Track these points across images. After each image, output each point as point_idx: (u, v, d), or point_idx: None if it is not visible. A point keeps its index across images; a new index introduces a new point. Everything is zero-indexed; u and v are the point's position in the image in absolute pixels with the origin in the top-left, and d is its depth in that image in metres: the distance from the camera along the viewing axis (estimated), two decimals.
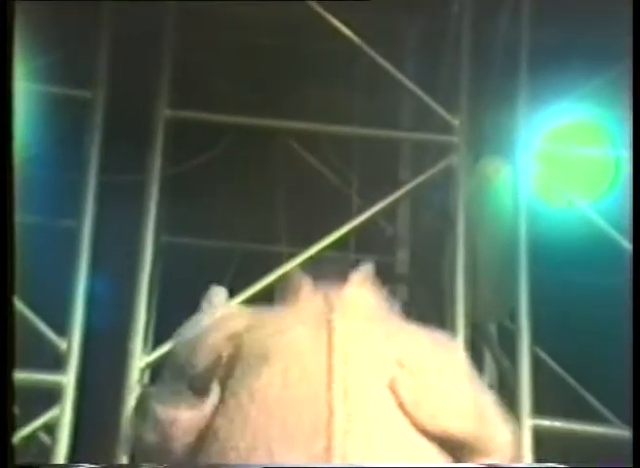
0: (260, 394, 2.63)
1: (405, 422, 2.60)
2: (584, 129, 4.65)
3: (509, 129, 4.16)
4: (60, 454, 3.64)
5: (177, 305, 4.47)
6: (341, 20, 4.14)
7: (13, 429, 2.29)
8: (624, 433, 4.24)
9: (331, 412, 2.52)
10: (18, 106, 4.61)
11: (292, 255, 3.72)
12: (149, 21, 4.15)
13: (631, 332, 3.02)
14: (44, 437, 3.82)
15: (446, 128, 4.09)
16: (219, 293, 3.09)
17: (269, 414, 2.58)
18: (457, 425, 2.63)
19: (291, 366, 2.64)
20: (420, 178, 4.07)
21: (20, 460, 3.84)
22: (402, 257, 4.84)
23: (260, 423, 2.58)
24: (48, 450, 3.69)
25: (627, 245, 4.09)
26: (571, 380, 4.62)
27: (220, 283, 4.04)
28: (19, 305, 3.76)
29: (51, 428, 3.70)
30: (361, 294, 2.88)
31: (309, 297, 2.87)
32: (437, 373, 2.70)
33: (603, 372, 4.56)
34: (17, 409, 4.39)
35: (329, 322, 2.70)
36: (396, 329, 2.84)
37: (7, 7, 2.37)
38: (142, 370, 3.88)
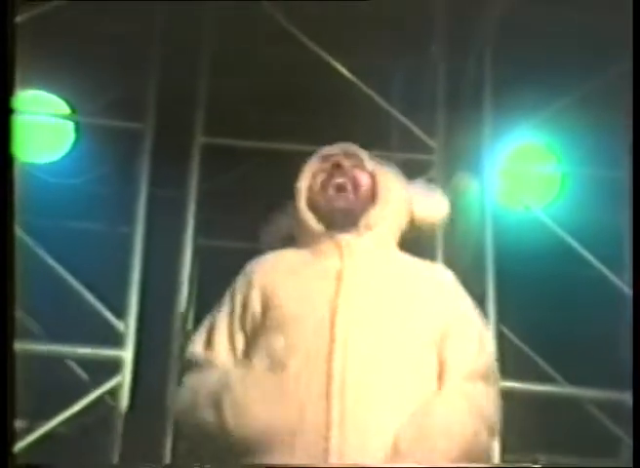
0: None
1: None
2: (537, 150, 4.68)
3: (477, 150, 4.19)
4: (122, 414, 3.70)
5: (212, 293, 4.56)
6: (341, 63, 4.18)
7: (13, 430, 2.21)
8: (570, 390, 4.33)
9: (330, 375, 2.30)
10: (86, 138, 4.72)
11: None
12: (187, 66, 4.18)
13: (631, 333, 3.03)
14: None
15: (426, 149, 4.11)
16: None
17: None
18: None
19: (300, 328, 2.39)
20: None
21: (89, 416, 3.91)
22: None
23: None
24: (112, 411, 3.74)
25: (572, 242, 4.17)
26: (527, 349, 4.64)
27: None
28: (87, 295, 3.85)
29: (114, 393, 3.75)
30: (371, 243, 2.55)
31: (324, 246, 2.55)
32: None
33: (552, 342, 4.64)
34: (86, 377, 4.44)
35: (339, 273, 2.46)
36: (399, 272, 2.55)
37: (7, 8, 2.27)
38: (185, 343, 3.98)
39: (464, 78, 4.40)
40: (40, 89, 4.62)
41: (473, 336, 2.50)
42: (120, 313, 3.81)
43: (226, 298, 2.60)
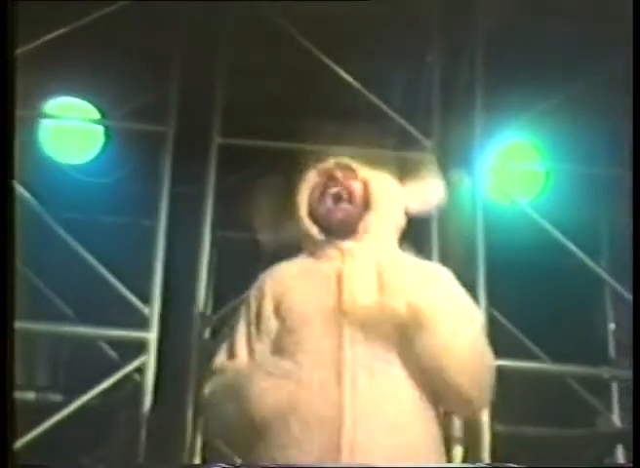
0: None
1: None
2: (524, 148, 4.69)
3: (469, 148, 4.19)
4: (148, 389, 3.72)
5: (228, 279, 4.58)
6: (344, 69, 4.19)
7: (14, 430, 2.13)
8: (554, 367, 4.35)
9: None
10: (114, 141, 4.74)
11: None
12: (205, 75, 4.19)
13: (631, 334, 3.07)
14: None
15: (422, 147, 4.11)
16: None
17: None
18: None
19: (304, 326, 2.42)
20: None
21: (119, 391, 3.93)
22: None
23: None
24: (139, 387, 3.75)
25: (555, 232, 4.18)
26: (515, 331, 4.65)
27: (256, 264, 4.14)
28: (115, 282, 3.86)
29: (141, 371, 3.77)
30: (370, 246, 2.54)
31: (327, 252, 2.55)
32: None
33: (537, 324, 4.66)
34: (115, 357, 4.47)
35: (339, 275, 2.46)
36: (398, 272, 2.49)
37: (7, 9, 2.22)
38: (204, 326, 3.96)
39: (457, 83, 4.39)
40: (73, 96, 4.65)
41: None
42: (145, 298, 3.83)
43: (242, 309, 2.60)
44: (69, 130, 4.72)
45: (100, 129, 4.75)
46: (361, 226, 2.54)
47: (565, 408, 4.71)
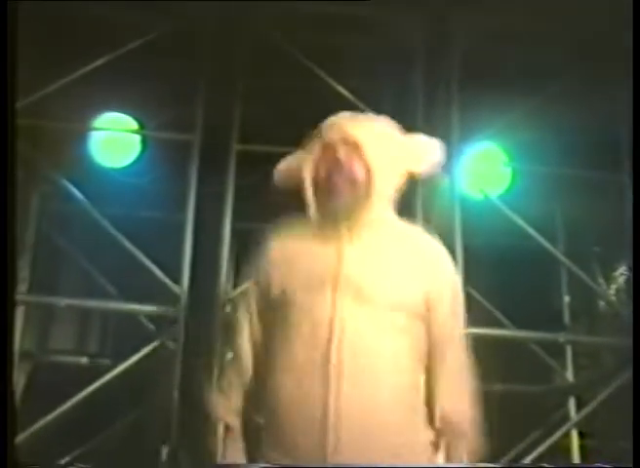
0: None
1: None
2: (493, 152, 4.66)
3: (448, 153, 4.12)
4: (180, 355, 3.74)
5: (245, 264, 4.55)
6: (342, 86, 4.17)
7: (14, 431, 1.96)
8: (517, 333, 4.36)
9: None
10: (149, 147, 4.74)
11: None
12: (226, 92, 4.18)
13: (632, 335, 3.11)
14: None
15: None
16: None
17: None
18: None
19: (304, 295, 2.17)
20: None
21: (156, 357, 3.94)
22: None
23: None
24: (172, 353, 3.78)
25: (520, 221, 4.19)
26: (485, 303, 4.65)
27: None
28: (151, 266, 3.86)
29: (173, 340, 3.80)
30: (370, 228, 2.24)
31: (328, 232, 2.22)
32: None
33: (504, 297, 4.67)
34: (152, 328, 4.47)
35: (339, 249, 2.19)
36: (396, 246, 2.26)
37: (7, 10, 2.06)
38: (226, 302, 3.97)
39: (436, 99, 4.36)
40: (117, 111, 4.65)
41: (455, 302, 2.28)
42: (176, 279, 3.84)
43: (251, 275, 2.34)
44: (113, 139, 4.73)
45: (138, 138, 4.76)
46: (362, 211, 2.21)
47: (527, 367, 4.71)
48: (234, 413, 2.25)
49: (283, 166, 2.38)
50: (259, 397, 2.23)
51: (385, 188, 2.25)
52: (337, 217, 2.23)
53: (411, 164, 2.30)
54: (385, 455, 2.08)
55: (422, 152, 2.32)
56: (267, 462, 2.12)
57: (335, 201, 2.22)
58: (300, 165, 2.30)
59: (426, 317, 2.21)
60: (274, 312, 2.23)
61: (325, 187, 2.24)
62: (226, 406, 2.26)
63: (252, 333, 2.29)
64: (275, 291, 2.23)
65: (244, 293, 2.36)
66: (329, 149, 2.25)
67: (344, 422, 2.07)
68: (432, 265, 2.26)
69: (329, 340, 2.11)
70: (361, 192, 2.22)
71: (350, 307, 2.15)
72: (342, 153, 2.23)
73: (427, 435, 2.21)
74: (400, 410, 2.14)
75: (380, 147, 2.25)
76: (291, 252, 2.27)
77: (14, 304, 2.04)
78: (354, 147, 2.23)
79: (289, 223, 2.34)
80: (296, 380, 2.12)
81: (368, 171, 2.22)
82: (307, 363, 2.12)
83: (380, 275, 2.20)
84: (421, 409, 2.21)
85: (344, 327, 2.12)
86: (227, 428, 2.24)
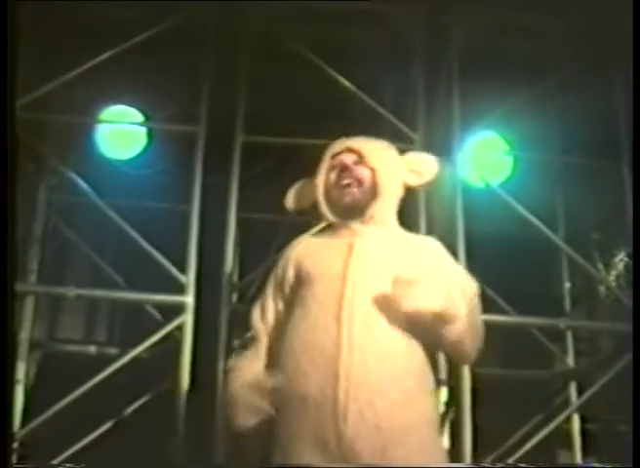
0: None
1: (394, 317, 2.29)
2: (494, 141, 4.65)
3: (450, 141, 4.16)
4: (187, 346, 3.73)
5: (251, 253, 4.57)
6: (347, 79, 4.16)
7: (12, 430, 1.95)
8: (519, 319, 4.36)
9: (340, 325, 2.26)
10: (155, 139, 4.76)
11: None
12: (230, 85, 4.16)
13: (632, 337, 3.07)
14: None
15: (410, 141, 4.08)
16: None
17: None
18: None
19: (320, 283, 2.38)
20: None
21: (163, 345, 3.95)
22: None
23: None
24: (179, 341, 3.76)
25: (521, 209, 4.19)
26: (488, 289, 4.63)
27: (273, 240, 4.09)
28: (158, 256, 3.85)
29: (181, 329, 3.78)
30: (376, 227, 2.48)
31: (340, 231, 2.49)
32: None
33: (507, 284, 4.62)
34: (160, 317, 4.48)
35: (350, 245, 2.43)
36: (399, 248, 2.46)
37: (7, 10, 2.09)
38: (232, 291, 4.00)
39: (438, 89, 4.36)
40: (122, 104, 4.65)
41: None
42: (183, 269, 3.83)
43: (272, 275, 2.58)
44: (119, 131, 4.73)
45: (144, 130, 4.76)
46: (369, 211, 2.47)
47: (529, 353, 4.72)
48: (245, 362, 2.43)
49: (292, 192, 2.65)
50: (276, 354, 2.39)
51: (389, 189, 2.49)
52: (347, 214, 2.48)
53: (408, 177, 2.55)
54: (394, 390, 2.23)
55: (419, 166, 2.56)
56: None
57: (345, 199, 2.48)
58: (308, 185, 2.58)
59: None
60: (296, 290, 2.45)
61: (336, 189, 2.50)
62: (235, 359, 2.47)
63: (269, 311, 2.50)
64: (297, 274, 2.47)
65: (271, 279, 2.56)
66: (336, 158, 2.53)
67: (356, 362, 2.22)
68: (428, 253, 2.47)
69: (341, 295, 2.31)
70: (368, 190, 2.47)
71: (360, 273, 2.34)
72: (349, 159, 2.51)
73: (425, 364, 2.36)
74: (408, 358, 2.29)
75: (381, 156, 2.53)
76: (311, 246, 2.53)
77: (14, 297, 2.08)
78: (358, 155, 2.51)
79: (308, 235, 2.68)
80: (310, 326, 2.31)
81: (372, 171, 2.49)
82: (321, 312, 2.31)
83: (385, 255, 2.41)
84: (428, 371, 2.36)
85: (355, 283, 2.32)
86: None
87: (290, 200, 2.64)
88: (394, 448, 2.19)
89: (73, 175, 4.07)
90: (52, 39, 4.15)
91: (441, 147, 4.16)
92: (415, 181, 2.55)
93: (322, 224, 2.74)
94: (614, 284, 4.99)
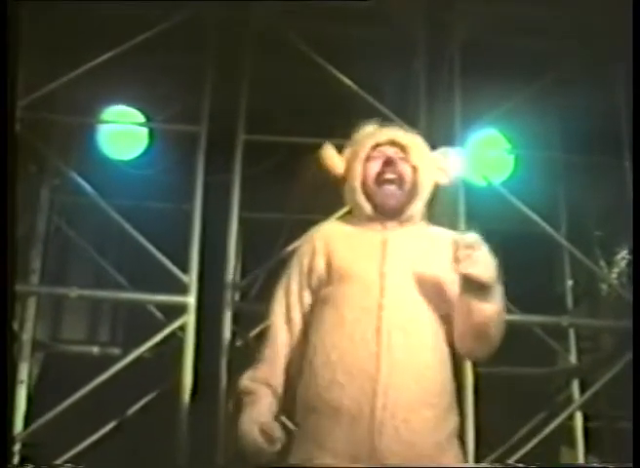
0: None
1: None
2: (496, 138, 4.65)
3: (451, 139, 4.11)
4: (189, 346, 3.72)
5: (253, 253, 4.55)
6: (347, 77, 4.14)
7: (12, 430, 1.92)
8: (521, 317, 4.32)
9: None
10: (157, 139, 4.75)
11: None
12: (231, 85, 4.14)
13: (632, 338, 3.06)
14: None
15: None
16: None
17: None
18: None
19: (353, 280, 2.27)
20: None
21: (165, 345, 3.94)
22: None
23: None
24: (181, 341, 3.76)
25: (522, 207, 4.18)
26: None
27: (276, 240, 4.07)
28: (160, 256, 3.84)
29: (183, 329, 3.78)
30: (410, 225, 2.38)
31: (373, 224, 2.38)
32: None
33: (509, 281, 4.61)
34: (162, 317, 4.47)
35: (384, 243, 2.31)
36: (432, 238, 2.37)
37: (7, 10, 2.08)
38: (234, 291, 3.98)
39: (439, 85, 4.34)
40: (124, 104, 4.65)
41: None
42: (185, 269, 3.82)
43: (295, 262, 2.41)
44: (121, 131, 4.73)
45: (146, 130, 4.76)
46: (407, 210, 2.36)
47: (531, 350, 4.71)
48: (258, 380, 2.30)
49: (332, 151, 2.47)
50: (298, 363, 2.29)
51: (427, 189, 2.40)
52: (385, 214, 2.35)
53: (438, 176, 2.45)
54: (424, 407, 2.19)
55: (446, 164, 2.46)
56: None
57: (389, 201, 2.35)
58: (347, 157, 2.42)
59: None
60: (326, 284, 2.32)
61: (375, 182, 2.36)
62: (250, 375, 2.32)
63: (289, 311, 2.36)
64: (327, 265, 2.33)
65: (285, 277, 2.42)
66: (378, 150, 2.38)
67: (394, 380, 2.16)
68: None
69: (379, 306, 2.22)
70: (408, 191, 2.36)
71: (397, 278, 2.25)
72: (392, 153, 2.38)
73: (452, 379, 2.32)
74: (441, 373, 2.25)
75: (422, 153, 2.43)
76: (340, 235, 2.39)
77: (14, 298, 2.08)
78: (402, 149, 2.39)
79: (331, 219, 2.54)
80: (347, 335, 2.21)
81: (414, 170, 2.38)
82: (359, 323, 2.21)
83: (419, 256, 2.31)
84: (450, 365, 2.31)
85: (393, 291, 2.23)
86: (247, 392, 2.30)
87: (337, 163, 2.44)
88: (427, 465, 2.15)
89: (75, 176, 4.07)
90: (53, 39, 4.15)
91: (442, 145, 4.16)
92: (444, 180, 2.46)
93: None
94: (616, 281, 4.98)
